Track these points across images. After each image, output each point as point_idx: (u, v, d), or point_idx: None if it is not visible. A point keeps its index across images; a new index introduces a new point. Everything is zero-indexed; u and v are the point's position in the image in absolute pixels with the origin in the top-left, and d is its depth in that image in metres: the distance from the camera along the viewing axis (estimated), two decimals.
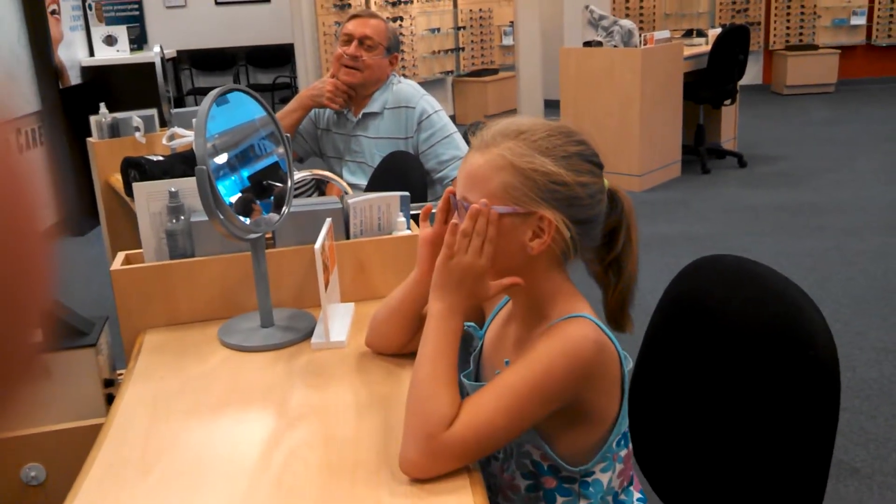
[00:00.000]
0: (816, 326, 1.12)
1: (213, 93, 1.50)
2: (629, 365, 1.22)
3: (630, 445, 1.25)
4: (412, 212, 1.89)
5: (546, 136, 1.18)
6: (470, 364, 1.39)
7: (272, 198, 1.65)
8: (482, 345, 1.38)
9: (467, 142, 2.93)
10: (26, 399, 0.41)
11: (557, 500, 1.22)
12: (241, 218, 1.53)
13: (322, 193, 3.03)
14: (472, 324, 1.41)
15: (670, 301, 1.40)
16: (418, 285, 1.36)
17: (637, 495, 1.28)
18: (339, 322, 1.63)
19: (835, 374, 1.10)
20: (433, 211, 1.30)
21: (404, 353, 1.47)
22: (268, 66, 9.99)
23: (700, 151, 6.34)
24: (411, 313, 1.41)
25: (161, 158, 2.74)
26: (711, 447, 1.28)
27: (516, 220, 1.16)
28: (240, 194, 1.57)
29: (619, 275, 1.25)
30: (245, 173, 1.60)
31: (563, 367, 1.11)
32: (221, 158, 1.53)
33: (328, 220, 1.65)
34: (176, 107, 3.58)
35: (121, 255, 1.79)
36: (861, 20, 9.89)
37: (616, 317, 1.26)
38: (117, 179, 3.11)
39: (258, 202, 1.62)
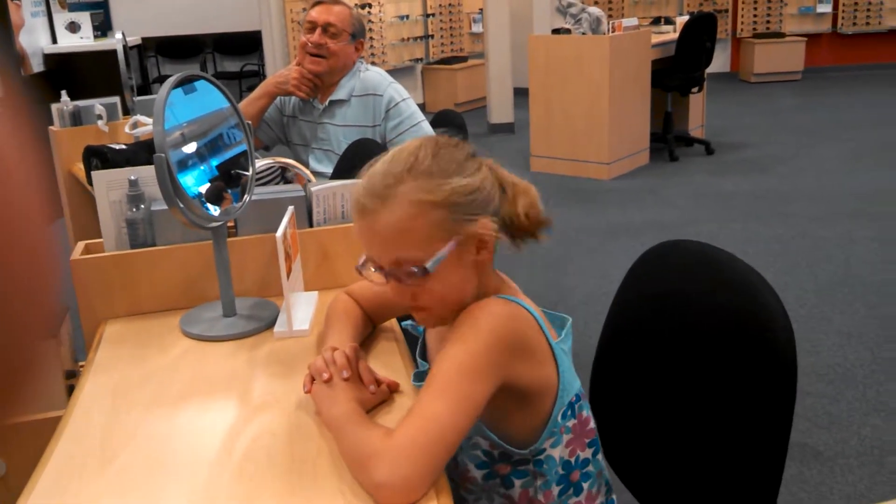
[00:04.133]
0: (773, 310, 1.13)
1: (171, 79, 1.48)
2: (564, 339, 1.22)
3: (582, 413, 1.24)
4: None
5: (433, 156, 1.15)
6: (416, 363, 1.39)
7: (240, 187, 1.63)
8: (423, 342, 1.38)
9: (434, 129, 2.91)
10: (34, 387, 0.41)
11: (516, 484, 1.22)
12: (211, 207, 1.52)
13: (288, 182, 3.01)
14: (410, 322, 1.41)
15: (631, 287, 1.41)
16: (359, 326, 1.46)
17: (588, 457, 1.27)
18: (303, 310, 1.62)
19: (791, 356, 1.12)
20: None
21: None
22: (235, 53, 9.90)
23: (668, 139, 6.38)
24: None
25: (124, 147, 2.71)
26: (672, 430, 1.29)
27: (461, 248, 1.15)
28: (209, 183, 1.55)
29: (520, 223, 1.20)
30: (214, 162, 1.58)
31: (482, 341, 1.10)
32: (190, 147, 1.52)
33: (290, 207, 1.64)
34: (142, 95, 3.53)
35: (80, 245, 1.77)
36: (827, 8, 9.99)
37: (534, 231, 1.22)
38: (80, 168, 3.07)
39: (229, 191, 1.61)
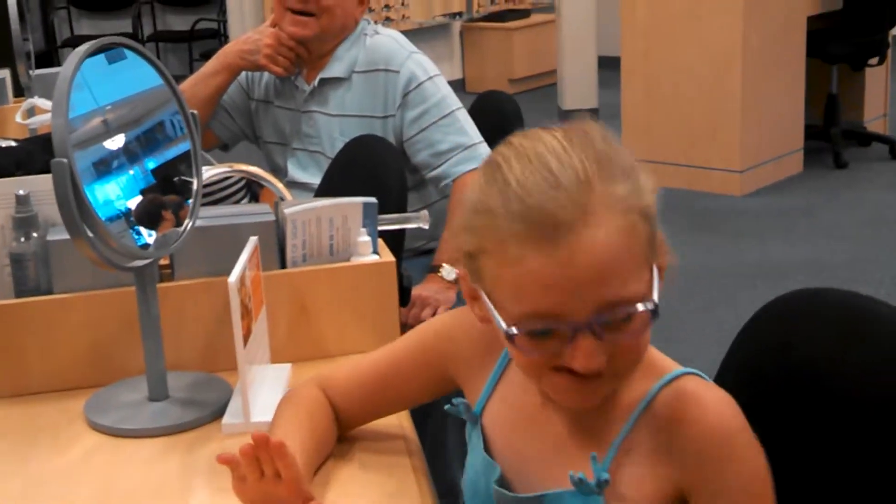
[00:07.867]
0: None
1: (81, 48, 1.51)
2: None
3: None
4: (383, 227, 1.89)
5: (603, 139, 1.14)
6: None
7: (188, 202, 1.65)
8: (481, 426, 1.37)
9: (475, 119, 2.89)
10: None
11: None
12: (144, 232, 1.54)
13: (257, 199, 3.03)
14: (462, 400, 1.38)
15: (745, 359, 1.41)
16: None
17: None
18: (266, 393, 1.63)
19: None
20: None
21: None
22: (184, 3, 10.05)
23: (832, 135, 6.34)
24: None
25: (13, 144, 2.76)
26: None
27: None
28: (140, 196, 1.58)
29: None
30: (150, 164, 1.60)
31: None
32: (116, 142, 1.54)
33: (253, 238, 1.66)
34: (41, 66, 3.60)
35: None
36: None
37: None
38: None
39: (170, 209, 1.63)
